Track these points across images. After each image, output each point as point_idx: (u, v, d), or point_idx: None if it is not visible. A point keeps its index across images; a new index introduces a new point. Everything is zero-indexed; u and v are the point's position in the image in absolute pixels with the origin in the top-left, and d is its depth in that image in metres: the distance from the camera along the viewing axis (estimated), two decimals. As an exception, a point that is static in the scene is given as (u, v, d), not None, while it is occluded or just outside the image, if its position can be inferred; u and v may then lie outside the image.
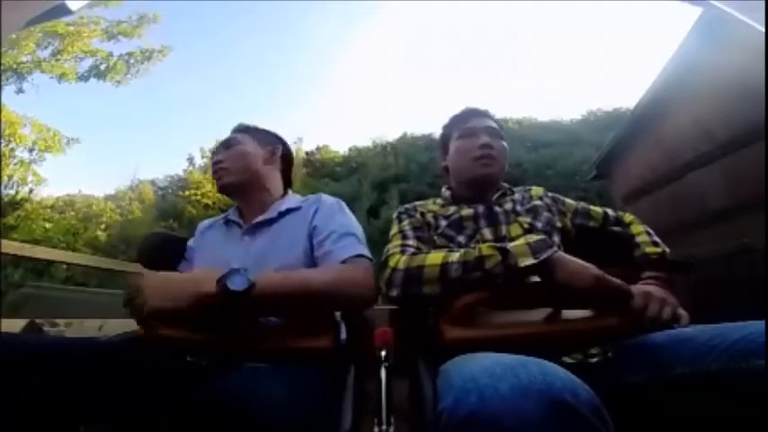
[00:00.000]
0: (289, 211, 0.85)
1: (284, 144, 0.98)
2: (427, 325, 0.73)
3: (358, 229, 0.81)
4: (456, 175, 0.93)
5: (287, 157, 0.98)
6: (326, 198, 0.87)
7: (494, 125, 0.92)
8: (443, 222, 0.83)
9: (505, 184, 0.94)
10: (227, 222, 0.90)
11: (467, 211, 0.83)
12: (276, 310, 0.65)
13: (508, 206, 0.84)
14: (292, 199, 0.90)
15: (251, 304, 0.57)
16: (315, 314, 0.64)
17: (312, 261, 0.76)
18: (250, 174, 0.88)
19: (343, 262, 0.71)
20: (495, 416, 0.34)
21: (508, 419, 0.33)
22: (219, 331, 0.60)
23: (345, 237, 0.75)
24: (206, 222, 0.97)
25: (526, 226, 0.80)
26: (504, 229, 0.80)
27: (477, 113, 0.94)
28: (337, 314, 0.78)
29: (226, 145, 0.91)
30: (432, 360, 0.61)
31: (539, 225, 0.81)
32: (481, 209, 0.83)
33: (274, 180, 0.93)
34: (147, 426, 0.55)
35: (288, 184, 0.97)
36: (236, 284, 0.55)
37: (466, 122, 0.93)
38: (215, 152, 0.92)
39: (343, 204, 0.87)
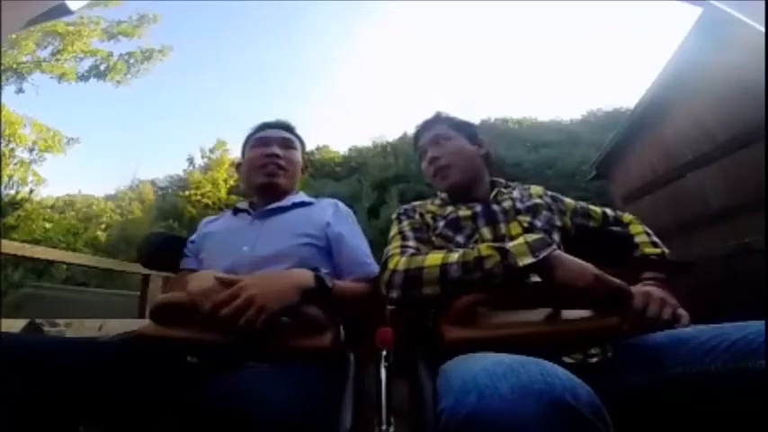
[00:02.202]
0: (303, 203, 0.90)
1: None
2: (427, 325, 0.73)
3: None
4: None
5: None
6: (342, 204, 0.94)
7: (439, 131, 0.92)
8: (441, 223, 0.83)
9: (501, 180, 0.93)
10: (236, 212, 0.94)
11: (464, 212, 0.82)
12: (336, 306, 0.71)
13: (507, 204, 0.83)
14: (304, 196, 0.95)
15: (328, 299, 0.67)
16: (316, 314, 0.64)
17: (315, 250, 0.81)
18: (295, 181, 0.96)
19: (369, 278, 0.80)
20: (495, 416, 0.34)
21: (508, 419, 0.33)
22: (220, 331, 0.60)
23: (368, 255, 0.85)
24: (210, 218, 1.00)
25: (526, 225, 0.79)
26: (503, 228, 0.79)
27: (424, 127, 0.96)
28: None
29: (285, 144, 0.95)
30: (432, 360, 0.61)
31: (538, 224, 0.80)
32: (479, 208, 0.82)
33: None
34: (147, 426, 0.55)
35: None
36: (329, 282, 0.68)
37: (418, 142, 0.95)
38: (263, 141, 0.94)
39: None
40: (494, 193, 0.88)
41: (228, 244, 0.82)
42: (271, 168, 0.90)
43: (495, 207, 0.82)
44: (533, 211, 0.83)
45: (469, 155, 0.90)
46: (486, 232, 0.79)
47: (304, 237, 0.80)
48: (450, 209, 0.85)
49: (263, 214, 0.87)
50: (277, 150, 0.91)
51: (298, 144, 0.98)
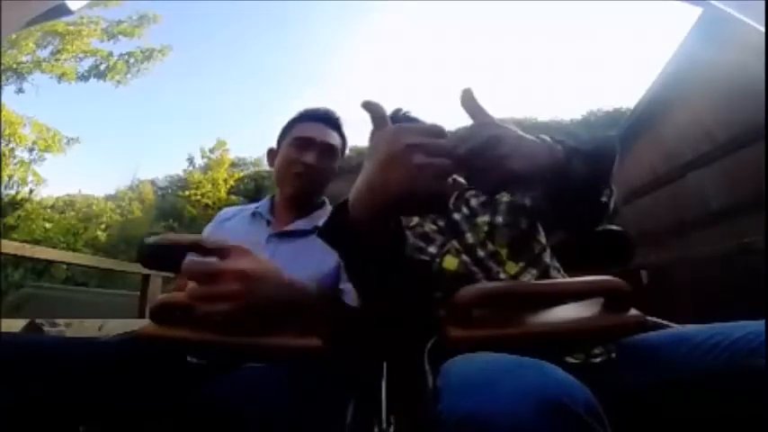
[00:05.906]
0: None
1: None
2: (427, 325, 0.73)
3: None
4: None
5: None
6: None
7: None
8: (409, 234, 0.77)
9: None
10: (254, 215, 0.86)
11: (430, 226, 0.78)
12: None
13: (464, 211, 0.78)
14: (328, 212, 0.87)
15: None
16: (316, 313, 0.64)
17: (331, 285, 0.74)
18: (325, 189, 0.87)
19: None
20: (492, 417, 0.33)
21: (504, 420, 0.33)
22: (220, 331, 0.60)
23: None
24: (228, 211, 0.93)
25: (486, 228, 0.74)
26: (470, 238, 0.74)
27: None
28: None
29: (326, 151, 0.83)
30: (432, 360, 0.61)
31: (499, 219, 0.75)
32: (442, 221, 0.78)
33: None
34: (147, 426, 0.55)
35: None
36: None
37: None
38: (302, 143, 0.82)
39: None
40: (452, 199, 0.80)
41: None
42: (304, 180, 0.81)
43: (455, 216, 0.78)
44: (491, 206, 0.77)
45: None
46: (455, 243, 0.74)
47: (314, 275, 0.73)
48: (416, 220, 0.80)
49: (281, 235, 0.80)
50: (314, 160, 0.81)
51: (341, 148, 0.87)
